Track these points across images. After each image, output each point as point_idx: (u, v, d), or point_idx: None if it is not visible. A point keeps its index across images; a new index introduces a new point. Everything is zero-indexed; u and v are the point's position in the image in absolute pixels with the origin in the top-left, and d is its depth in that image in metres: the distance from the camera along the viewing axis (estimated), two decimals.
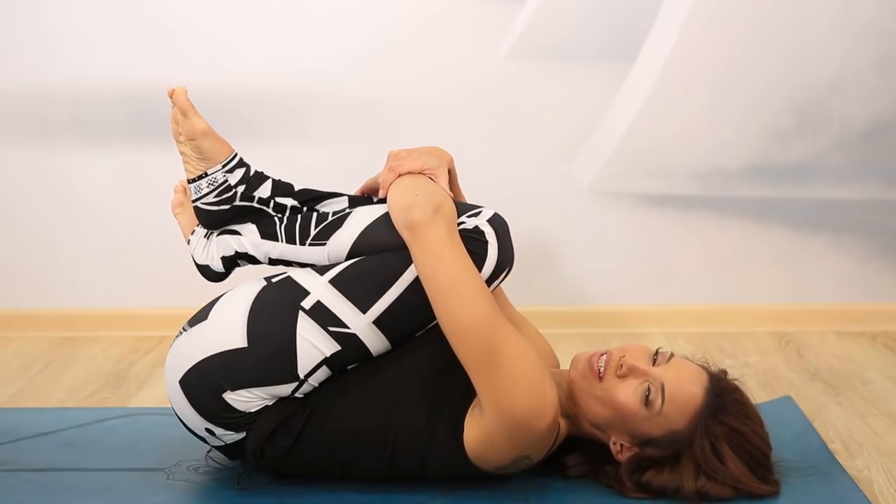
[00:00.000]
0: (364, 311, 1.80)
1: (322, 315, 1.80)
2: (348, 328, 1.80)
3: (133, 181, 2.97)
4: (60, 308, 3.07)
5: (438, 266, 1.73)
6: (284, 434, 1.82)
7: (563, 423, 1.85)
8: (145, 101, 2.94)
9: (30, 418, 2.30)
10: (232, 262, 1.96)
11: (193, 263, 1.99)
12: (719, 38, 2.95)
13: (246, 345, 1.80)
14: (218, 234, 1.96)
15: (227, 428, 1.83)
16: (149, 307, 3.04)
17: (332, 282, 1.81)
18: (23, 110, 2.98)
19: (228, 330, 1.82)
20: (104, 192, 3.00)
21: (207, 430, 1.85)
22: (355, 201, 1.95)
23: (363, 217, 1.87)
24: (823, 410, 2.35)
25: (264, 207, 1.93)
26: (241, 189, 1.92)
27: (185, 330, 1.88)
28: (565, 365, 2.16)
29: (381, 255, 1.82)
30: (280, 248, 1.91)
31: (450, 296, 1.73)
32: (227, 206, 1.92)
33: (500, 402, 1.73)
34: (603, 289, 3.07)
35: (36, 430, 2.19)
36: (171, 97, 1.91)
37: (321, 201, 1.95)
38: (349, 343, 1.81)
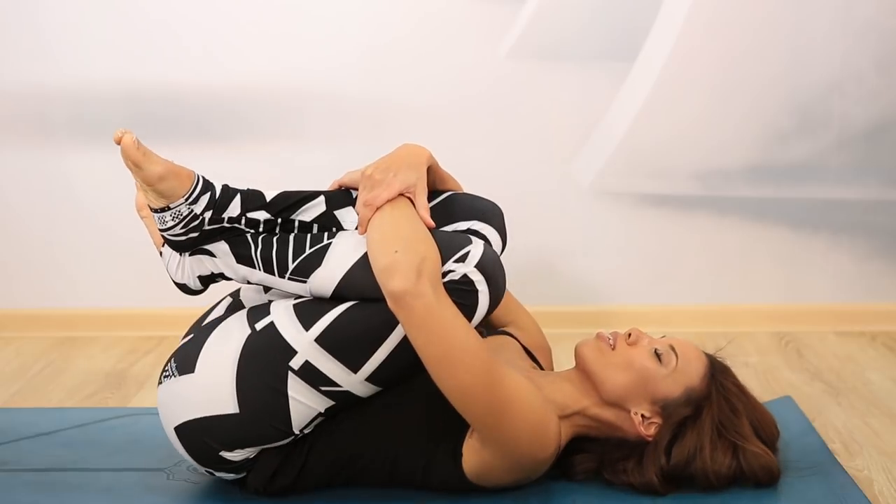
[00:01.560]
0: (355, 371, 1.74)
1: (312, 376, 1.74)
2: (340, 386, 1.75)
3: (133, 181, 2.96)
4: (60, 308, 3.07)
5: (427, 336, 1.67)
6: (285, 472, 1.82)
7: (567, 426, 1.85)
8: (145, 101, 2.94)
9: (30, 418, 2.30)
10: (209, 279, 1.89)
11: (170, 279, 1.91)
12: (719, 38, 2.95)
13: (237, 411, 1.75)
14: (191, 254, 1.87)
15: (226, 472, 1.84)
16: (149, 307, 3.04)
17: (319, 341, 1.73)
18: (23, 110, 2.98)
19: (217, 393, 1.76)
20: (104, 192, 3.00)
21: (207, 471, 1.85)
22: (332, 201, 1.86)
23: (344, 255, 1.77)
24: (823, 410, 2.35)
25: (236, 225, 1.83)
26: (208, 215, 1.80)
27: (172, 374, 1.82)
28: (562, 365, 2.17)
29: (367, 308, 1.74)
30: (258, 276, 1.83)
31: (443, 364, 1.68)
32: (195, 234, 1.82)
33: (505, 447, 1.75)
34: (603, 289, 3.07)
35: (36, 430, 2.19)
36: (117, 144, 1.75)
37: (296, 209, 1.84)
38: (342, 397, 1.77)
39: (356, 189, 1.85)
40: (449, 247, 1.74)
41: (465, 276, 1.72)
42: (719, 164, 3.00)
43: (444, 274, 1.71)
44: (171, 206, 1.77)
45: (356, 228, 1.82)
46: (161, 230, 1.82)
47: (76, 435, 2.18)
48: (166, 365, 1.85)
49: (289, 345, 1.74)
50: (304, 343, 1.74)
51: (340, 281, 1.76)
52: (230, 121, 2.97)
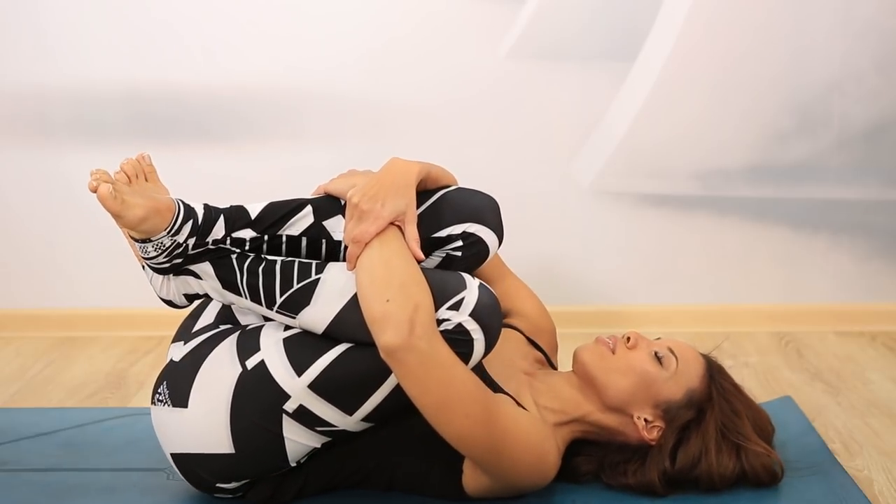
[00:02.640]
0: (350, 414, 1.73)
1: (307, 418, 1.72)
2: (336, 427, 1.74)
3: None
4: (60, 308, 3.07)
5: (423, 388, 1.65)
6: (284, 491, 1.83)
7: (567, 432, 1.86)
8: (145, 101, 2.94)
9: (30, 418, 2.30)
10: (195, 296, 1.84)
11: (155, 293, 1.85)
12: (719, 38, 2.95)
13: (233, 451, 1.75)
14: (175, 275, 1.80)
15: (223, 494, 1.84)
16: (149, 307, 3.02)
17: (313, 387, 1.71)
18: (23, 110, 2.98)
19: (212, 432, 1.75)
20: None
21: (205, 492, 1.86)
22: (320, 210, 1.80)
23: (333, 297, 1.72)
24: (823, 410, 2.35)
25: (221, 246, 1.77)
26: (191, 241, 1.75)
27: (165, 401, 1.80)
28: (563, 366, 2.16)
29: (360, 352, 1.70)
30: (246, 304, 1.79)
31: (441, 413, 1.67)
32: (179, 260, 1.76)
33: (506, 479, 1.76)
34: (603, 289, 3.07)
35: (36, 430, 2.19)
36: (92, 192, 1.67)
37: (284, 223, 1.78)
38: (338, 435, 1.77)
39: (343, 198, 1.79)
40: (443, 290, 1.70)
41: (459, 325, 1.68)
42: (719, 164, 3.00)
43: (439, 322, 1.68)
44: (153, 238, 1.73)
45: (345, 259, 1.76)
46: (143, 258, 1.78)
47: (76, 435, 2.18)
48: (158, 386, 1.83)
49: (282, 389, 1.72)
50: (297, 389, 1.71)
51: (331, 323, 1.72)
52: (230, 121, 2.97)
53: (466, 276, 1.76)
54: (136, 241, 1.75)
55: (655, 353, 1.84)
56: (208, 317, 1.91)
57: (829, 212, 3.02)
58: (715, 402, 1.83)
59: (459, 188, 1.87)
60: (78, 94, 2.95)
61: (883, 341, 2.91)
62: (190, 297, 1.84)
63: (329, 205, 1.81)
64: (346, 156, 2.94)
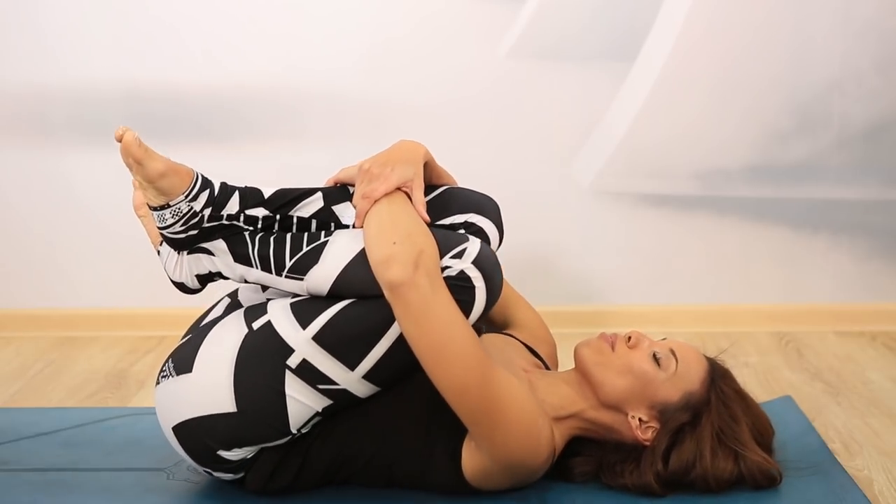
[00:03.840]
0: (352, 369, 1.73)
1: (309, 374, 1.73)
2: (338, 384, 1.75)
3: (131, 180, 2.96)
4: (60, 308, 3.07)
5: (423, 329, 1.66)
6: (284, 472, 1.82)
7: (565, 428, 1.85)
8: (145, 101, 2.95)
9: (30, 418, 2.29)
10: (207, 278, 1.88)
11: (168, 278, 1.90)
12: (719, 38, 2.95)
13: (235, 410, 1.75)
14: (189, 253, 1.85)
15: (224, 472, 1.84)
16: (149, 307, 3.04)
17: (316, 339, 1.73)
18: (23, 110, 2.98)
19: (215, 392, 1.76)
20: (104, 192, 3.00)
21: (206, 470, 1.85)
22: (329, 197, 1.85)
23: (341, 252, 1.76)
24: (823, 410, 2.35)
25: (234, 223, 1.82)
26: (207, 212, 1.79)
27: (169, 374, 1.82)
28: (566, 367, 2.16)
29: (364, 305, 1.73)
30: (256, 274, 1.81)
31: (438, 358, 1.67)
32: (194, 232, 1.81)
33: (497, 449, 1.74)
34: (603, 289, 3.07)
35: (36, 430, 2.19)
36: (118, 140, 1.75)
37: (294, 205, 1.83)
38: (340, 396, 1.77)
39: (352, 185, 1.84)
40: (446, 243, 1.73)
41: (462, 272, 1.71)
42: (719, 164, 3.00)
43: (442, 270, 1.70)
44: (171, 203, 1.77)
45: (353, 225, 1.81)
46: (160, 228, 1.82)
47: (76, 435, 2.18)
48: (164, 365, 1.85)
49: (286, 343, 1.74)
50: (300, 341, 1.73)
51: (337, 278, 1.75)
52: (230, 121, 2.97)
53: (468, 234, 1.80)
54: (154, 210, 1.79)
55: (654, 354, 1.83)
56: (217, 312, 1.93)
57: (829, 212, 3.03)
58: (713, 406, 1.82)
59: (462, 187, 1.91)
60: (78, 93, 2.95)
61: (883, 341, 2.91)
62: (201, 279, 1.87)
63: (338, 192, 1.86)
64: (346, 156, 2.93)
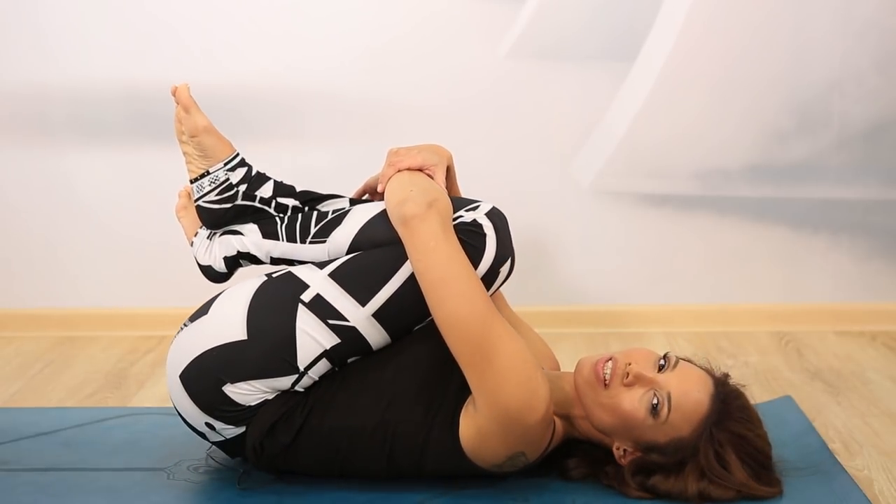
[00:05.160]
0: (363, 305, 1.81)
1: (321, 308, 1.81)
2: (347, 321, 1.81)
3: (133, 181, 2.97)
4: (60, 308, 3.07)
5: (431, 261, 1.74)
6: (284, 429, 1.82)
7: (561, 424, 1.86)
8: (145, 101, 2.94)
9: (30, 418, 2.30)
10: (234, 262, 1.97)
11: (197, 265, 2.00)
12: (719, 38, 2.95)
13: (245, 337, 1.81)
14: (220, 235, 1.97)
15: (226, 422, 1.84)
16: (149, 307, 3.04)
17: (332, 275, 1.82)
18: (23, 110, 2.98)
19: (228, 323, 1.83)
20: (104, 192, 3.00)
21: (207, 424, 1.85)
22: (355, 203, 1.97)
23: (362, 214, 1.89)
24: (823, 410, 2.35)
25: (266, 207, 1.95)
26: (242, 188, 1.93)
27: (185, 326, 1.90)
28: (565, 366, 2.16)
29: (380, 249, 1.83)
30: (281, 248, 1.93)
31: (442, 291, 1.74)
32: (228, 205, 1.93)
33: (492, 397, 1.73)
34: (603, 289, 3.07)
35: (36, 430, 2.19)
36: (173, 94, 1.93)
37: (322, 202, 1.97)
38: (348, 336, 1.82)
39: (375, 195, 1.98)
40: (460, 202, 1.86)
41: (474, 220, 1.81)
42: (719, 164, 3.00)
43: (455, 219, 1.81)
44: (211, 170, 1.91)
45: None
46: (197, 198, 1.93)
47: (76, 435, 2.18)
48: (181, 326, 1.92)
49: (302, 281, 1.83)
50: (317, 278, 1.83)
51: (357, 234, 1.86)
52: (230, 120, 2.94)
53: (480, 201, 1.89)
54: (193, 182, 1.93)
55: (651, 400, 1.76)
56: None
57: (829, 212, 3.03)
58: (700, 454, 1.77)
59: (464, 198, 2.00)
60: (78, 93, 2.95)
61: (883, 341, 2.91)
62: (228, 262, 1.97)
63: (363, 202, 1.98)
64: (346, 156, 2.96)
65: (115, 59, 2.94)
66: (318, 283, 1.82)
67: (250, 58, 2.96)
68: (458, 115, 2.97)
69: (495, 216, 1.84)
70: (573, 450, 1.89)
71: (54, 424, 2.23)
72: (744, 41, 2.95)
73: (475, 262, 1.78)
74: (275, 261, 1.96)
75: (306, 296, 1.81)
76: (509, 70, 2.96)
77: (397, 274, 1.81)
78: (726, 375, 1.87)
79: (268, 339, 1.81)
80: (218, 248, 1.97)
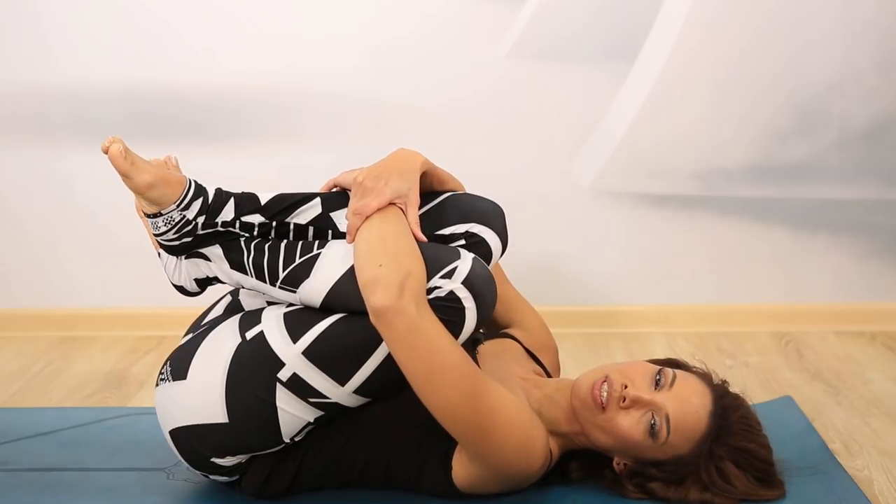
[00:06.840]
0: (342, 385, 1.74)
1: (300, 388, 1.74)
2: (328, 398, 1.75)
3: None
4: (60, 308, 3.07)
5: (410, 353, 1.65)
6: (279, 478, 1.83)
7: (559, 442, 1.85)
8: (145, 101, 2.94)
9: (30, 418, 2.30)
10: (206, 281, 1.89)
11: (168, 282, 1.92)
12: (719, 39, 2.95)
13: (227, 420, 1.75)
14: (187, 257, 1.86)
15: (220, 475, 1.84)
16: (149, 307, 3.04)
17: (307, 354, 1.73)
18: (23, 110, 2.98)
19: (207, 401, 1.76)
20: (104, 192, 2.99)
21: (202, 474, 1.85)
22: (328, 202, 1.85)
23: (331, 268, 1.76)
24: (823, 410, 2.35)
25: (230, 229, 1.82)
26: (201, 220, 1.80)
27: (167, 378, 1.82)
28: (565, 367, 2.16)
29: (354, 321, 1.73)
30: (251, 282, 1.82)
31: (426, 382, 1.67)
32: (189, 239, 1.82)
33: (490, 463, 1.74)
34: (603, 289, 3.07)
35: (36, 430, 2.19)
36: (105, 154, 1.72)
37: (292, 211, 1.83)
38: (331, 408, 1.77)
39: (350, 190, 1.83)
40: (436, 261, 1.72)
41: (451, 292, 1.69)
42: (719, 164, 3.00)
43: (430, 290, 1.69)
44: (163, 212, 1.78)
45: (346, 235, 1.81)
46: (154, 235, 1.82)
47: (76, 435, 2.18)
48: (163, 367, 1.86)
49: (277, 357, 1.74)
50: (291, 356, 1.73)
51: (328, 293, 1.75)
52: (230, 120, 2.97)
53: (461, 249, 1.77)
54: (148, 216, 1.80)
55: (650, 422, 1.74)
56: (217, 311, 1.93)
57: (829, 212, 3.02)
58: (701, 470, 1.76)
59: (467, 192, 1.91)
60: (78, 93, 2.95)
61: (883, 341, 2.91)
62: (201, 283, 1.88)
63: (337, 198, 1.85)
64: (346, 156, 2.94)
65: (115, 59, 2.94)
66: (293, 361, 1.73)
67: (251, 58, 2.96)
68: (458, 116, 2.97)
69: (474, 277, 1.71)
70: (574, 453, 1.88)
71: (54, 424, 2.23)
72: (744, 41, 2.95)
73: (455, 334, 1.70)
74: (246, 288, 1.87)
75: (283, 374, 1.73)
76: (509, 70, 2.96)
77: (376, 353, 1.72)
78: (725, 383, 1.85)
79: (251, 421, 1.75)
80: (186, 270, 1.87)
